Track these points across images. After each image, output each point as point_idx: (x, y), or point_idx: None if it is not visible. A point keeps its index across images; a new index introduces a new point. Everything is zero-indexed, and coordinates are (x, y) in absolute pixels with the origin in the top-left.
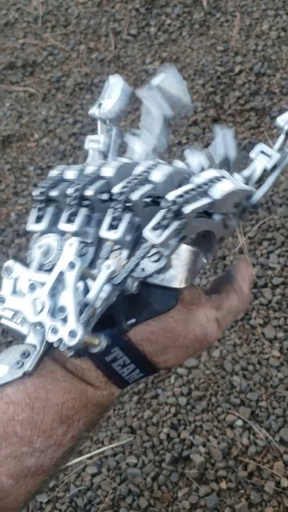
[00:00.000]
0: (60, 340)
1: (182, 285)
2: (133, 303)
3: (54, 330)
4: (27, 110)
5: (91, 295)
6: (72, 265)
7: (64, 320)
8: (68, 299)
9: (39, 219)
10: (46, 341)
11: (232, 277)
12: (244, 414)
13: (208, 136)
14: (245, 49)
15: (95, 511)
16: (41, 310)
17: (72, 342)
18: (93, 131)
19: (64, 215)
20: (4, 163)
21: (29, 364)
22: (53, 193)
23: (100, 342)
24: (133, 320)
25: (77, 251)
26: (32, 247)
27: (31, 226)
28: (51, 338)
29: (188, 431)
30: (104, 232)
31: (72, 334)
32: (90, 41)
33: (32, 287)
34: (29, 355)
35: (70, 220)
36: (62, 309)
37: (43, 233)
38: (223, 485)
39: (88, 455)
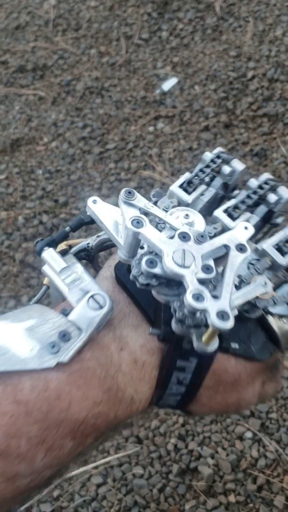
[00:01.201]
0: (206, 315)
1: (284, 346)
2: (236, 327)
3: (200, 298)
4: (37, 113)
5: (237, 297)
6: (242, 249)
7: (215, 296)
8: (228, 277)
9: (187, 190)
10: (96, 325)
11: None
12: (254, 426)
13: (220, 141)
14: (258, 55)
15: None
16: (189, 266)
17: (224, 324)
18: (103, 135)
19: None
20: (13, 166)
21: (66, 355)
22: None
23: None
24: (236, 346)
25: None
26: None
27: (179, 190)
28: (193, 303)
29: (196, 442)
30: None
31: (223, 315)
32: (101, 45)
33: (185, 236)
34: (69, 340)
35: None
36: (214, 281)
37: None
38: (232, 498)
39: (94, 464)
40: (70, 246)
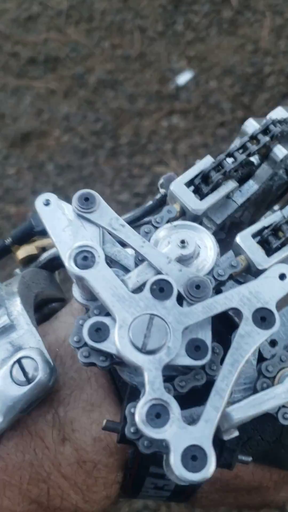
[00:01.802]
0: None
1: None
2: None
3: (160, 416)
4: (48, 106)
5: (249, 406)
6: (267, 321)
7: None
8: (224, 378)
9: (201, 191)
10: (20, 408)
11: None
12: None
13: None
14: (275, 50)
15: None
16: (153, 351)
17: (192, 476)
18: (116, 129)
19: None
20: (23, 160)
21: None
22: None
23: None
24: (250, 459)
25: None
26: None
27: (185, 191)
28: (145, 428)
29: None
30: None
31: (194, 457)
32: (114, 37)
33: (162, 289)
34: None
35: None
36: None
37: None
38: None
39: None
40: (44, 249)
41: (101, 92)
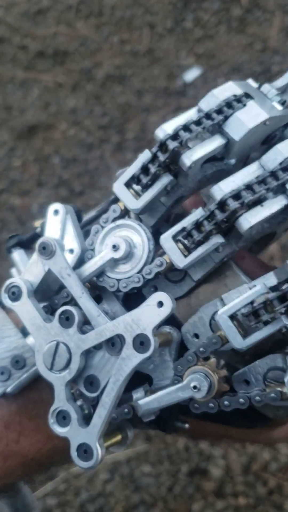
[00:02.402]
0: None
1: None
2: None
3: (66, 418)
4: (55, 100)
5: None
6: (144, 344)
7: (86, 420)
8: (108, 395)
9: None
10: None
11: None
12: None
13: None
14: (284, 49)
15: None
16: (59, 370)
17: (84, 464)
18: (122, 124)
19: None
20: (29, 153)
21: (15, 386)
22: None
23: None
24: (185, 425)
25: None
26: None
27: (123, 191)
28: (54, 425)
29: (207, 442)
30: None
31: (85, 450)
32: (123, 33)
33: (68, 318)
34: (22, 368)
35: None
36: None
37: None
38: (241, 500)
39: None
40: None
41: (108, 87)
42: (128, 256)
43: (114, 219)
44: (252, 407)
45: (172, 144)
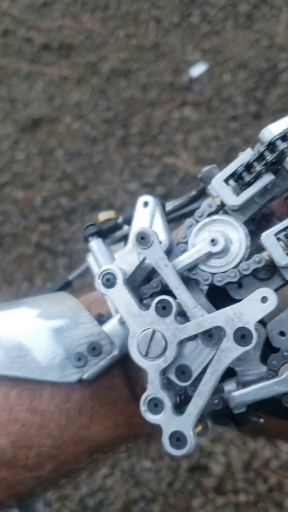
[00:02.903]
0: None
1: None
2: None
3: (158, 405)
4: (60, 93)
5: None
6: (245, 338)
7: (179, 409)
8: (205, 383)
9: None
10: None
11: None
12: None
13: (248, 132)
14: None
15: None
16: (154, 358)
17: (176, 452)
18: (127, 119)
19: None
20: (33, 146)
21: (92, 372)
22: None
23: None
24: (260, 420)
25: None
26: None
27: (222, 186)
28: (146, 413)
29: (208, 437)
30: None
31: (178, 438)
32: (129, 27)
33: (165, 307)
34: (99, 355)
35: None
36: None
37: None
38: (241, 497)
39: None
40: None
41: (113, 81)
42: (224, 251)
43: (210, 214)
44: None
45: (282, 145)
